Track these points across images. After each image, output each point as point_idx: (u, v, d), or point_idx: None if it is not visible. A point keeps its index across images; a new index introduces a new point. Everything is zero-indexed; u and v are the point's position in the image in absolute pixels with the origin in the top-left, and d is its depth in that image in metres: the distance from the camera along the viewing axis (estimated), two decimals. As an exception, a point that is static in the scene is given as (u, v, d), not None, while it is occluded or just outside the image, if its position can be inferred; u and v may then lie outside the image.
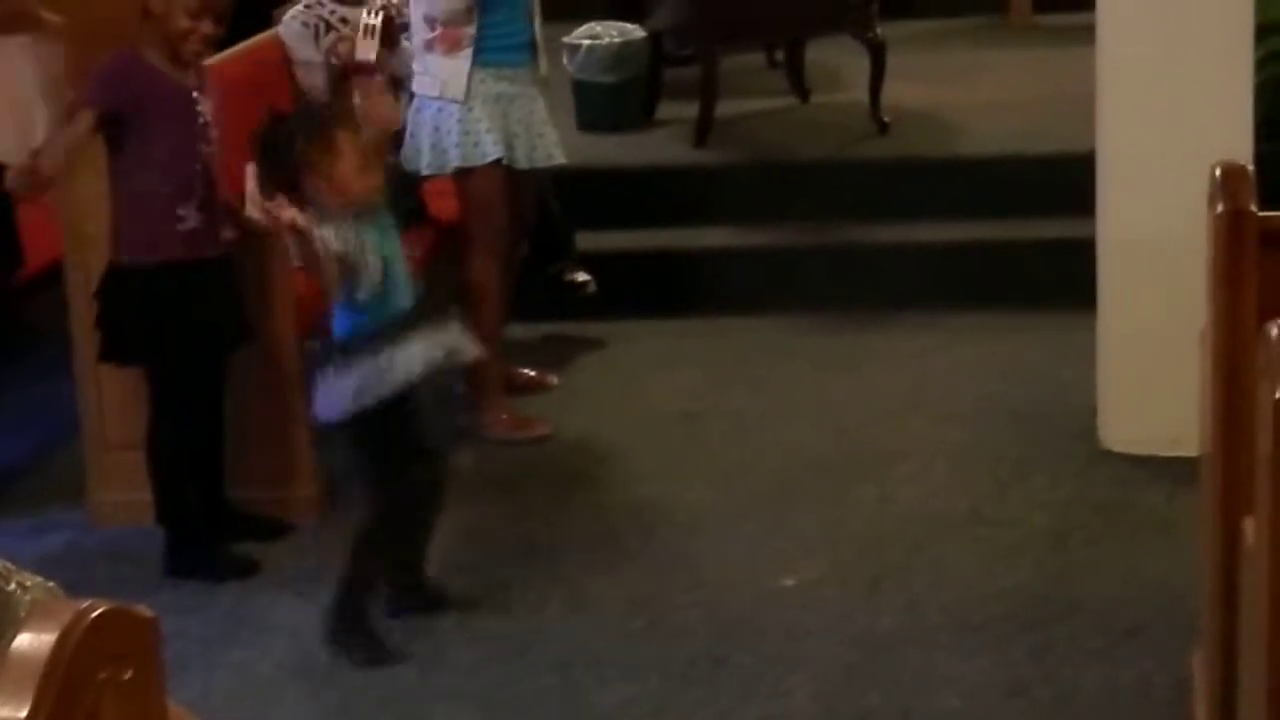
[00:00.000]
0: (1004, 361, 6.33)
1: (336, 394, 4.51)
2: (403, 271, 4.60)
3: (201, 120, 5.08)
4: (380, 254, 4.50)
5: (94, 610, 1.81)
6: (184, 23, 5.00)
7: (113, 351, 5.13)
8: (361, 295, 4.49)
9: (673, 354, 6.62)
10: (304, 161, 4.47)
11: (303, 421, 5.39)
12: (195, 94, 5.08)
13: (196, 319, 5.05)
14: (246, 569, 5.15)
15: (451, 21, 5.75)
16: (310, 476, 5.45)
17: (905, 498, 5.39)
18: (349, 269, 4.45)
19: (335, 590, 4.65)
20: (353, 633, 4.63)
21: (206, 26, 5.05)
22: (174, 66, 5.04)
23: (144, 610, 1.92)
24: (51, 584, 2.17)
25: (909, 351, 6.50)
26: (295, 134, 4.53)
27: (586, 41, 7.80)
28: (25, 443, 6.16)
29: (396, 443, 4.58)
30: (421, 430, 4.61)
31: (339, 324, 4.58)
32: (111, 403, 5.40)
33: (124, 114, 4.96)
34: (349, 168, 4.49)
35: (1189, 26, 5.28)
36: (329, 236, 4.41)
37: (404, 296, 4.58)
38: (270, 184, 4.57)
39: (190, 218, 5.02)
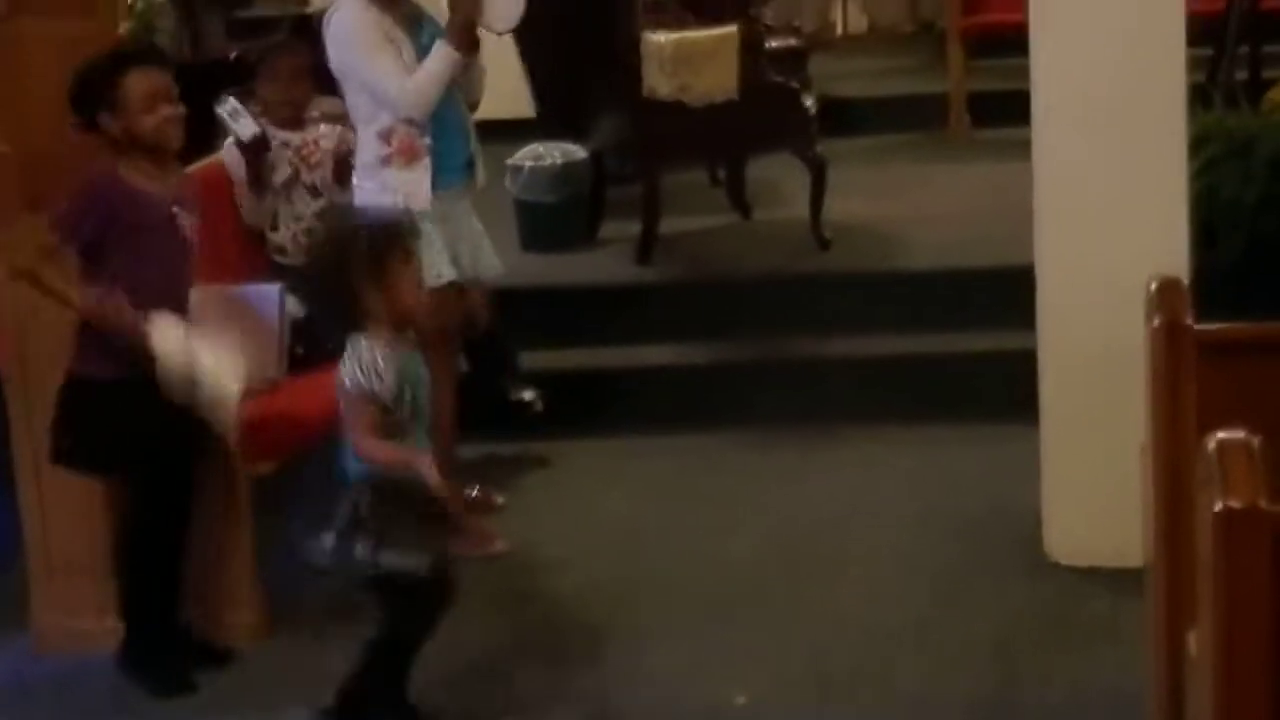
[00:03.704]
0: (948, 473, 6.35)
1: (349, 553, 4.52)
2: (425, 410, 4.61)
3: (181, 235, 5.07)
4: (408, 385, 4.52)
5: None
6: (146, 121, 4.99)
7: (70, 457, 5.10)
8: (386, 426, 4.49)
9: (618, 471, 6.62)
10: (373, 269, 4.47)
11: (247, 546, 5.37)
12: (175, 209, 5.05)
13: (166, 428, 5.02)
14: (189, 689, 5.13)
15: (408, 132, 5.76)
16: (253, 601, 5.42)
17: (851, 609, 5.38)
18: (380, 403, 4.46)
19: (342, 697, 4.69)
20: None
21: (166, 110, 5.04)
22: (155, 170, 5.02)
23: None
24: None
25: (853, 464, 6.52)
26: (372, 240, 4.53)
27: (529, 163, 7.86)
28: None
29: (407, 583, 4.59)
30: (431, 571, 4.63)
31: (355, 464, 4.55)
32: (56, 525, 5.37)
33: (102, 241, 4.92)
34: (409, 284, 4.52)
35: (1124, 140, 5.33)
36: (372, 369, 4.42)
37: (424, 430, 4.61)
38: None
39: None
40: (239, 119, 6.31)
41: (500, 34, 6.22)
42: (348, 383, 4.47)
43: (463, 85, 5.93)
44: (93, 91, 4.99)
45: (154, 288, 4.99)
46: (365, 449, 4.47)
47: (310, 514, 4.70)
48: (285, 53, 6.66)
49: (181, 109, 5.08)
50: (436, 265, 5.74)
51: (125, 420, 5.01)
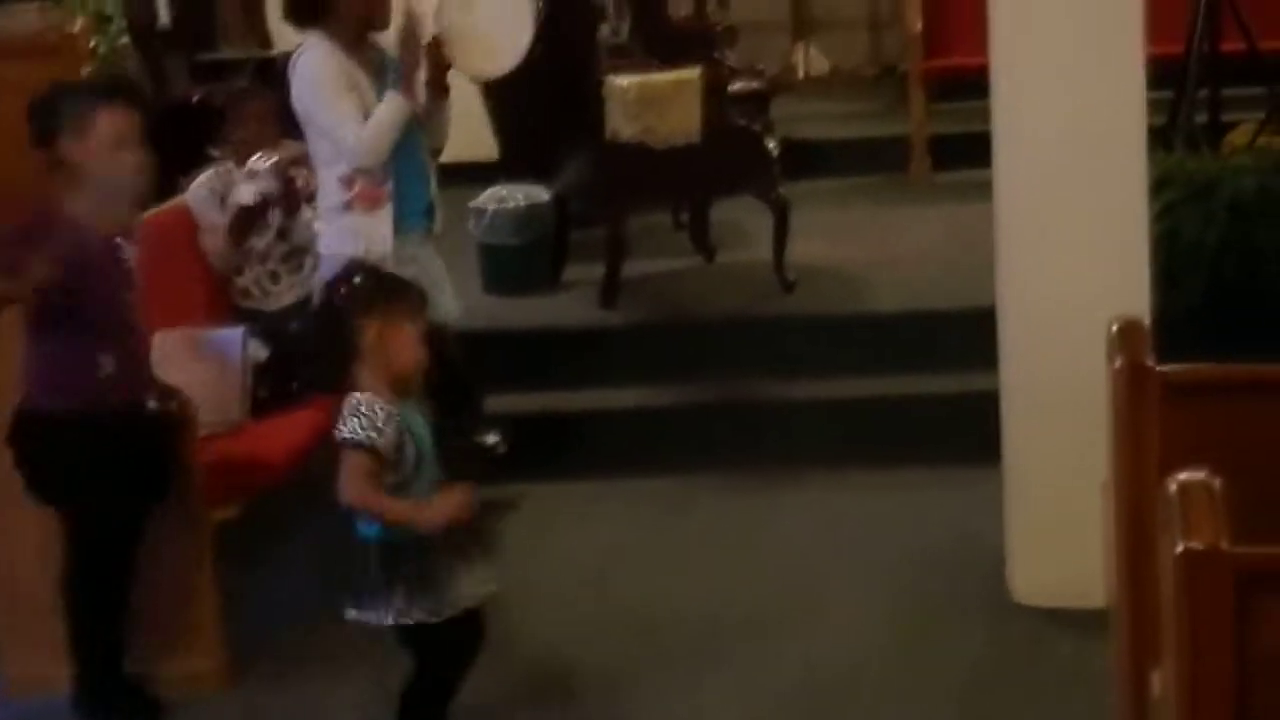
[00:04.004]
0: (913, 515, 6.35)
1: (381, 605, 4.43)
2: (432, 463, 4.52)
3: (125, 268, 5.01)
4: (415, 439, 4.45)
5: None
6: (107, 161, 4.90)
7: (35, 491, 5.05)
8: (388, 485, 4.41)
9: (586, 515, 6.61)
10: (367, 329, 4.40)
11: (211, 591, 5.34)
12: (119, 241, 5.00)
13: (114, 469, 4.98)
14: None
15: (370, 178, 5.77)
16: (217, 648, 5.38)
17: (822, 652, 5.38)
18: (385, 462, 4.38)
19: None
20: None
21: (134, 154, 4.97)
22: (102, 210, 4.96)
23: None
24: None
25: (818, 506, 6.52)
26: (365, 299, 4.45)
27: (492, 206, 7.86)
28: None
29: (444, 640, 4.55)
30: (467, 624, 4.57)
31: (365, 526, 4.47)
32: (21, 570, 5.34)
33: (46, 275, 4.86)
34: (410, 344, 4.45)
35: (1085, 182, 5.35)
36: (370, 422, 4.34)
37: (429, 486, 4.51)
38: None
39: (108, 365, 4.94)
40: (247, 181, 6.32)
41: (496, 76, 6.26)
42: (345, 434, 4.37)
43: (429, 130, 5.95)
44: (61, 114, 4.92)
45: (97, 323, 4.95)
46: (362, 501, 4.38)
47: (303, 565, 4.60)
48: (251, 96, 6.69)
49: (145, 156, 5.04)
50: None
51: (71, 456, 4.97)
